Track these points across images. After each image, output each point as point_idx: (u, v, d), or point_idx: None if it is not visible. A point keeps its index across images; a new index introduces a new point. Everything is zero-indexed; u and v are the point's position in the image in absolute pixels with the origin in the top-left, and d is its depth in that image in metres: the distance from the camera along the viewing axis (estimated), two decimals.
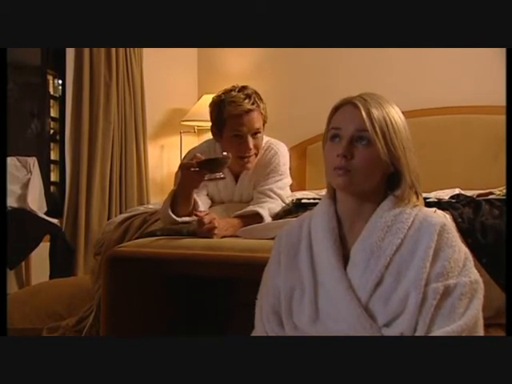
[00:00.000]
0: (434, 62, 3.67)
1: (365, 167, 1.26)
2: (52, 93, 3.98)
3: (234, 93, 2.15)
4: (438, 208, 1.92)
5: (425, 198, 1.94)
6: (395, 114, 1.29)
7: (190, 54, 4.44)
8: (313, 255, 1.33)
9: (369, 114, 1.26)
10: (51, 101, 3.96)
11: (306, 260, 1.33)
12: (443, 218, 1.32)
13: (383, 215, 1.28)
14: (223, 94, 2.18)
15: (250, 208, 2.12)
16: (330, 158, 1.29)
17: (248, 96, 2.15)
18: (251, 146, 2.17)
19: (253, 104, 2.14)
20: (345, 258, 1.29)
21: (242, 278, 1.89)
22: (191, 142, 4.18)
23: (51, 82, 3.97)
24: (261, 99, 2.19)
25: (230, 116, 2.14)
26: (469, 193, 2.27)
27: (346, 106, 1.30)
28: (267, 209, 2.12)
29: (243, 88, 2.18)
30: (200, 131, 4.35)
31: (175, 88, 4.35)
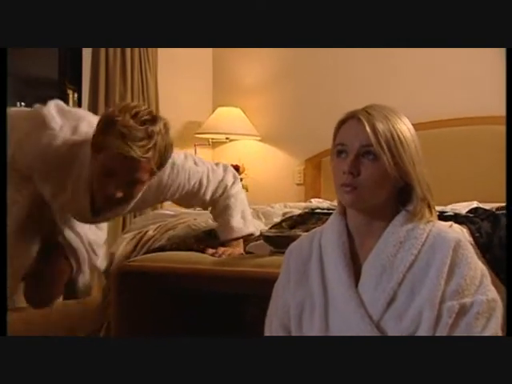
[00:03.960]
0: (447, 72, 3.63)
1: (372, 183, 1.23)
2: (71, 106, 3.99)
3: None
4: (455, 222, 1.89)
5: (441, 212, 1.91)
6: (403, 126, 1.25)
7: (205, 66, 4.45)
8: (323, 270, 1.30)
9: (373, 128, 1.22)
10: None
11: (316, 275, 1.31)
12: (458, 233, 1.29)
13: (395, 231, 1.25)
14: None
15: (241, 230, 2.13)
16: (337, 175, 1.27)
17: None
18: None
19: None
20: (356, 274, 1.26)
21: (252, 293, 1.88)
22: (206, 155, 4.17)
23: (71, 96, 3.98)
24: None
25: None
26: (487, 206, 2.22)
27: (351, 120, 1.27)
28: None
29: None
30: (215, 144, 4.34)
31: (190, 100, 4.36)
